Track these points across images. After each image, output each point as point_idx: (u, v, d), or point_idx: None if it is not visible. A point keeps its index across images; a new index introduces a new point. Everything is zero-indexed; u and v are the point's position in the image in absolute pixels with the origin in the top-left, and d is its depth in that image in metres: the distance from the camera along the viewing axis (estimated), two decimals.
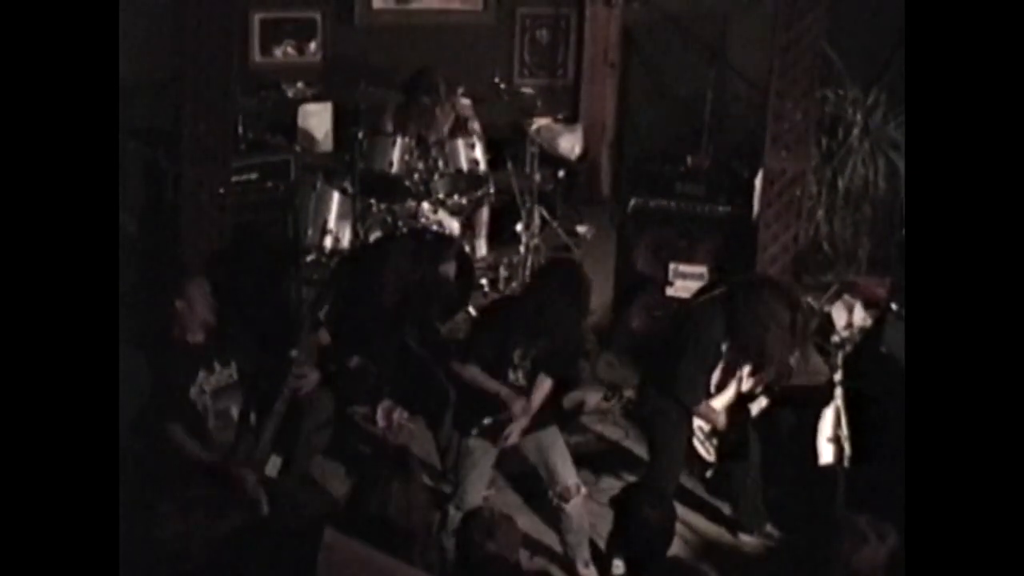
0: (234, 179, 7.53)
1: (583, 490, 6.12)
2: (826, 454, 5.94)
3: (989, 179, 3.57)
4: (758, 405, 6.26)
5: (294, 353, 6.20)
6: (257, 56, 9.60)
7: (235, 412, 6.05)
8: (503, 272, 8.75)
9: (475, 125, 8.84)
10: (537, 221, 8.93)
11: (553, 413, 6.30)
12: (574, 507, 6.03)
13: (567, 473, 6.07)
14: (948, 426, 3.53)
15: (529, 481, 6.45)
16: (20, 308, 3.32)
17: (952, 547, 3.47)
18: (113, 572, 3.40)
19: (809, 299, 6.92)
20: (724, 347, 6.10)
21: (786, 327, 5.93)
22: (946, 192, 3.62)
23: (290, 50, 9.73)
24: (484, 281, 8.67)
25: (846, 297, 6.97)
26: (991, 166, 3.58)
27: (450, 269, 7.68)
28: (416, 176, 8.34)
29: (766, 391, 6.25)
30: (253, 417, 6.09)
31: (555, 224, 9.48)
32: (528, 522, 6.23)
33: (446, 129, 8.51)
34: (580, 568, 6.08)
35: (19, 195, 3.35)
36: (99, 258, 3.47)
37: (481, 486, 6.12)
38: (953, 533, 3.48)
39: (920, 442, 3.59)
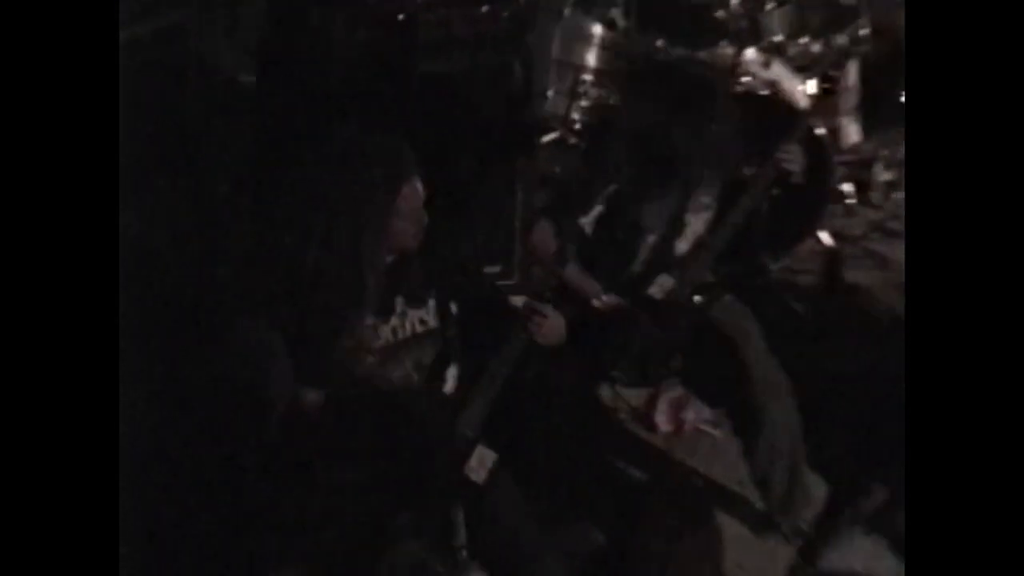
0: None
1: None
2: None
3: (992, 181, 2.97)
4: None
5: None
6: None
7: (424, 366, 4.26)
8: (883, 173, 6.13)
9: None
10: None
11: None
12: None
13: None
14: (950, 426, 2.99)
15: None
16: (20, 305, 2.95)
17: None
18: (113, 572, 3.11)
19: None
20: None
21: None
22: (949, 192, 3.02)
23: None
24: (847, 188, 6.10)
25: None
26: (993, 167, 2.97)
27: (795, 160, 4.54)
28: (735, 3, 5.73)
29: None
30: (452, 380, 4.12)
31: None
32: None
33: None
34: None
35: (19, 187, 2.93)
36: (100, 245, 3.01)
37: None
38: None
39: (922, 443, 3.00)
